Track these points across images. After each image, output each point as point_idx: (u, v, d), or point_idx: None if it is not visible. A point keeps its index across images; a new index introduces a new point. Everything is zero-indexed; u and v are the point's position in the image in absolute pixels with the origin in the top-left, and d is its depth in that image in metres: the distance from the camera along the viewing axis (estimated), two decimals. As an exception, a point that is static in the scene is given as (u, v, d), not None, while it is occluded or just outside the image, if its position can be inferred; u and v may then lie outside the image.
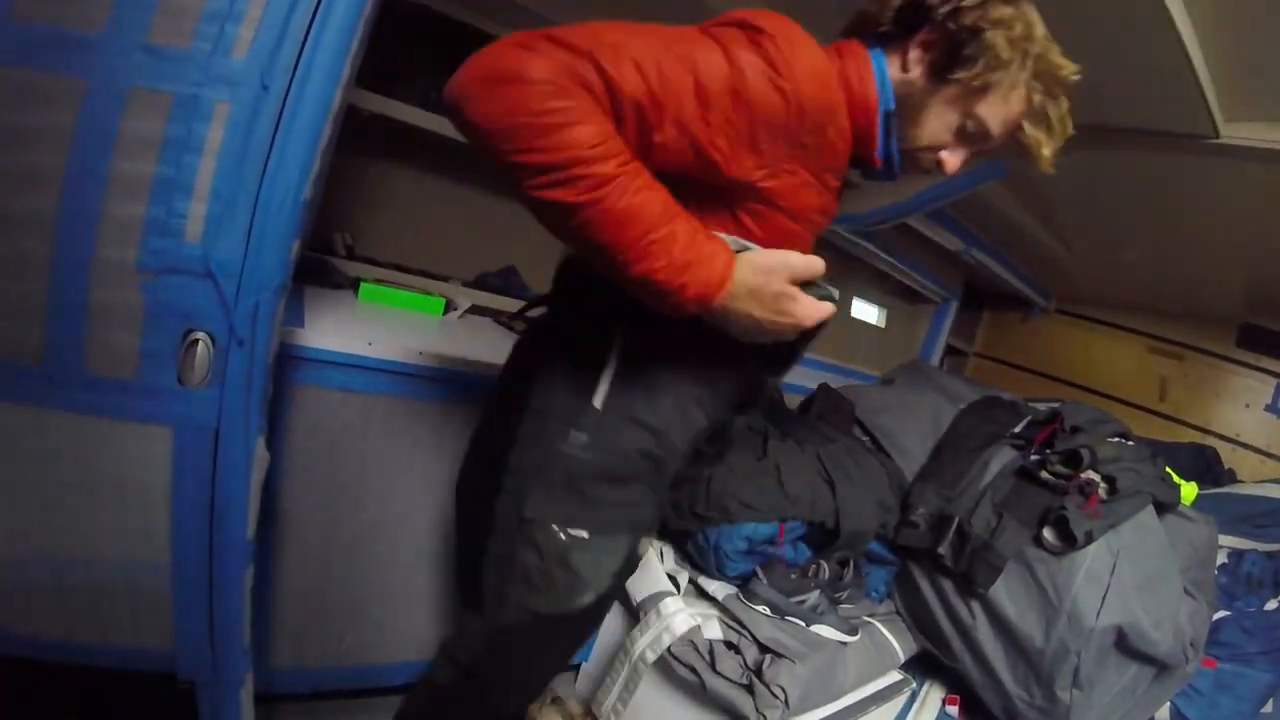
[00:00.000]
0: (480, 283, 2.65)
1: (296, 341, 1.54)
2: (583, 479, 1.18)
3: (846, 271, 4.17)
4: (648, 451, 1.20)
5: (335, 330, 1.63)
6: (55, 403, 1.15)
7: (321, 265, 2.10)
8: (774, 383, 1.14)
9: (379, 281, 2.18)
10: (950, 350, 5.08)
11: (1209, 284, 3.65)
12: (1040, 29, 1.11)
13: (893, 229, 3.23)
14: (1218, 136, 2.06)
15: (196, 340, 1.18)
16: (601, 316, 1.16)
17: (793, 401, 3.05)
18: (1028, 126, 1.13)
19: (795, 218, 1.11)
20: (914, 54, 1.10)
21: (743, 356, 1.18)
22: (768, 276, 0.99)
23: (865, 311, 4.57)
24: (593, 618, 1.39)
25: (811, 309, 1.03)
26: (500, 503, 1.22)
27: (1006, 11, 1.05)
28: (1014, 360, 5.03)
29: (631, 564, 1.36)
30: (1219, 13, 1.64)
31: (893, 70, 1.12)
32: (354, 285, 2.11)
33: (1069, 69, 1.13)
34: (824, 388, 3.02)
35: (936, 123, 1.12)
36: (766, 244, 1.04)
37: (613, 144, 0.88)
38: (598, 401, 1.16)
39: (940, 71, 1.08)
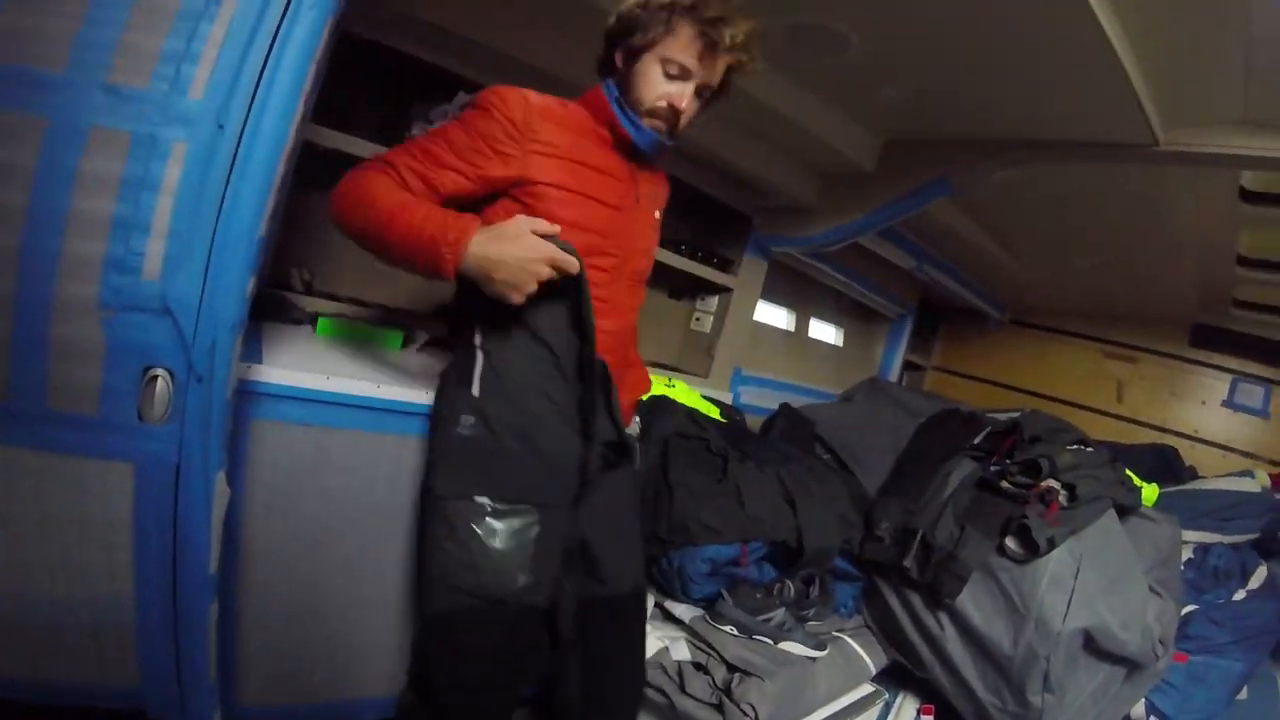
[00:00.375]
0: (439, 314, 2.65)
1: (255, 377, 1.54)
2: (476, 454, 1.44)
3: (803, 293, 4.23)
4: (521, 425, 1.45)
5: (293, 365, 1.62)
6: (17, 439, 1.15)
7: (280, 301, 2.10)
8: (587, 350, 1.45)
9: (337, 316, 2.18)
10: (908, 365, 5.16)
11: (1159, 287, 3.74)
12: None
13: (846, 249, 3.27)
14: (1157, 144, 2.11)
15: (156, 376, 1.19)
16: (468, 327, 1.49)
17: (755, 423, 3.08)
18: (709, 49, 1.42)
19: (560, 186, 1.44)
20: (617, 59, 1.48)
21: (554, 329, 1.46)
22: (506, 227, 1.29)
23: (823, 331, 4.63)
24: (527, 616, 1.46)
25: (551, 247, 1.29)
26: (422, 496, 1.50)
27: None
28: (971, 372, 5.12)
29: (552, 554, 1.48)
30: (1150, 22, 1.69)
31: (616, 78, 1.50)
32: (312, 320, 2.11)
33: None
34: (785, 407, 3.05)
35: (646, 80, 1.45)
36: (549, 213, 1.37)
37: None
38: (475, 390, 1.46)
39: (628, 52, 1.46)
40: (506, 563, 1.41)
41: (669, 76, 1.44)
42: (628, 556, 1.62)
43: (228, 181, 1.18)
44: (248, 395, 1.52)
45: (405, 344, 2.21)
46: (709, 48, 1.41)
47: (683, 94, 1.45)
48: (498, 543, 1.41)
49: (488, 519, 1.41)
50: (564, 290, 1.39)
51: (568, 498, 1.51)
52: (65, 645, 1.28)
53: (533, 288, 1.28)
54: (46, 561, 1.22)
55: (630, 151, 1.54)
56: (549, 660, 1.61)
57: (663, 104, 1.45)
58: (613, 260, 1.52)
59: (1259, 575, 2.52)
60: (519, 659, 1.49)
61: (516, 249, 1.27)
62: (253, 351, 1.61)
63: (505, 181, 1.42)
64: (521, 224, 1.29)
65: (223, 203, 1.18)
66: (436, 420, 1.53)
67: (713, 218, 3.32)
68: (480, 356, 1.46)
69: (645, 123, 1.48)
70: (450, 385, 1.50)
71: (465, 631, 1.42)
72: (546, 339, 1.45)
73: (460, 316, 1.52)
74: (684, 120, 1.49)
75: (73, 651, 1.29)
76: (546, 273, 1.29)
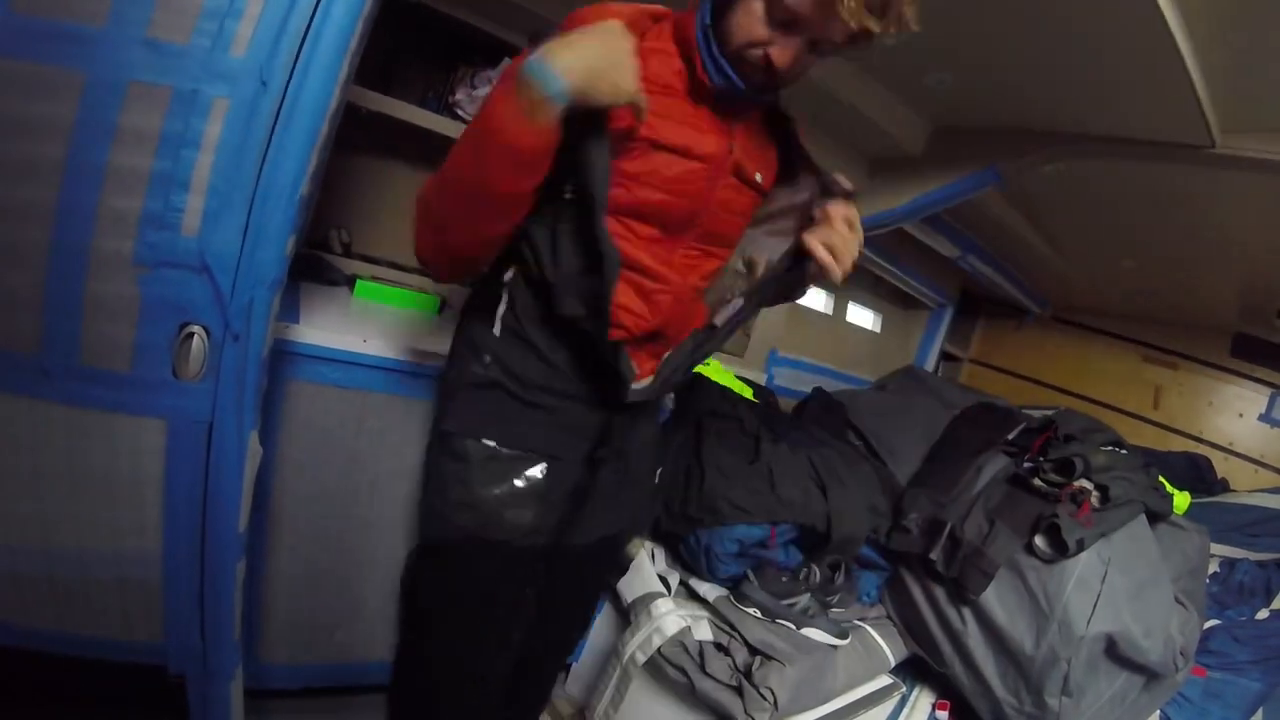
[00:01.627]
0: (475, 282, 2.64)
1: (291, 337, 1.55)
2: (489, 396, 1.31)
3: (843, 276, 4.18)
4: (539, 371, 1.32)
5: (330, 326, 1.63)
6: (50, 394, 1.16)
7: (318, 262, 2.11)
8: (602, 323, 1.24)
9: (375, 279, 2.18)
10: (945, 356, 5.08)
11: (1204, 293, 3.65)
12: None
13: (889, 235, 3.23)
14: (1214, 147, 2.05)
15: (192, 334, 1.19)
16: (502, 262, 1.31)
17: (787, 405, 3.06)
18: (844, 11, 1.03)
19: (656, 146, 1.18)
20: None
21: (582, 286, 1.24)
22: (589, 29, 1.04)
23: (861, 316, 4.57)
24: (522, 557, 1.37)
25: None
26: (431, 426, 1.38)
27: None
28: (1008, 367, 5.04)
29: (556, 504, 1.38)
30: (1217, 24, 1.64)
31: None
32: (350, 282, 2.11)
33: None
34: (819, 391, 3.03)
35: (745, 18, 1.11)
36: (647, 178, 1.19)
37: None
38: (496, 330, 1.31)
39: None
40: (504, 507, 1.32)
41: (772, 21, 1.09)
42: (614, 510, 1.52)
43: (270, 139, 1.17)
44: (284, 355, 1.52)
45: (441, 310, 2.21)
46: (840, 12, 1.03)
47: (785, 50, 1.11)
48: (497, 487, 1.31)
49: (491, 462, 1.31)
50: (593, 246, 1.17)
51: (579, 453, 1.39)
52: (91, 599, 1.30)
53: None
54: (76, 516, 1.24)
55: (719, 95, 1.22)
56: None
57: (757, 53, 1.12)
58: (681, 220, 1.28)
59: (1283, 596, 2.49)
60: (511, 599, 1.42)
61: (606, 47, 1.03)
62: (290, 311, 1.61)
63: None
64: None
65: (264, 160, 1.17)
66: (454, 354, 1.40)
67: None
68: (505, 296, 1.32)
69: (734, 69, 1.16)
70: (473, 320, 1.37)
71: (456, 566, 1.36)
72: (573, 289, 1.26)
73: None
74: (788, 78, 1.17)
75: (98, 605, 1.31)
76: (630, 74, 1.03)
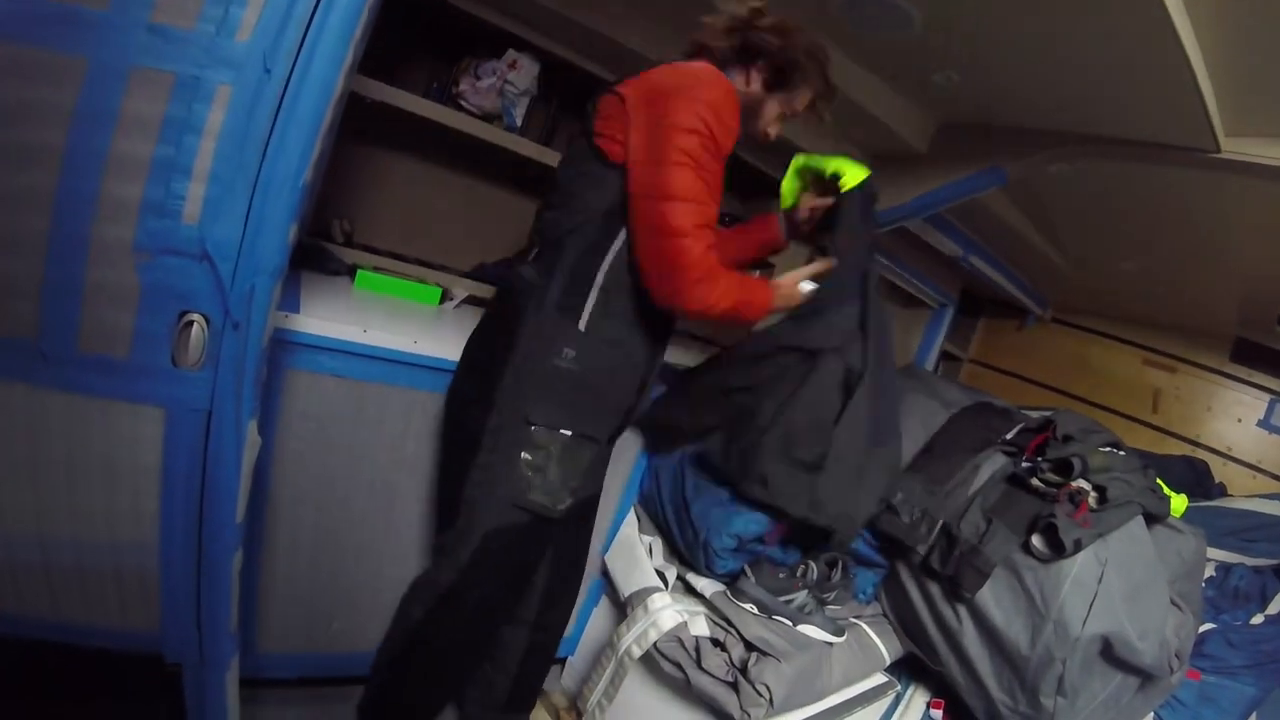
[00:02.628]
0: (477, 273, 2.64)
1: (291, 326, 1.54)
2: (571, 388, 1.54)
3: (844, 275, 4.17)
4: (611, 365, 1.61)
5: (330, 316, 1.63)
6: (48, 381, 1.15)
7: (319, 251, 2.10)
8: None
9: (376, 269, 2.17)
10: (945, 356, 5.07)
11: (1205, 297, 3.65)
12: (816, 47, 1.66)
13: (891, 233, 3.22)
14: (1219, 151, 2.05)
15: (191, 322, 1.19)
16: (591, 263, 1.54)
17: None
18: (820, 104, 1.73)
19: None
20: (753, 76, 1.65)
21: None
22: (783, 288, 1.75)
23: (862, 313, 4.56)
24: (555, 526, 1.63)
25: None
26: (492, 417, 1.53)
27: (806, 39, 1.63)
28: (1008, 368, 5.03)
29: (586, 475, 1.64)
30: (1224, 28, 1.64)
31: (738, 83, 1.61)
32: (351, 272, 2.11)
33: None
34: (819, 388, 3.02)
35: (769, 116, 1.69)
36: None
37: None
38: (582, 325, 1.54)
39: (768, 81, 1.65)
40: (565, 489, 1.57)
41: (783, 117, 1.70)
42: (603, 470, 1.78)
43: (273, 126, 1.16)
44: (283, 344, 1.52)
45: (442, 301, 2.20)
46: (823, 98, 1.71)
47: (779, 130, 1.73)
48: (566, 471, 1.56)
49: (564, 449, 1.55)
50: None
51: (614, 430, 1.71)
52: (88, 587, 1.29)
53: None
54: (73, 504, 1.23)
55: None
56: None
57: (762, 134, 1.71)
58: None
59: (1278, 601, 2.48)
60: (537, 567, 1.75)
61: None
62: (290, 301, 1.61)
63: None
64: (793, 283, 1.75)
65: (267, 148, 1.17)
66: (527, 349, 1.54)
67: (757, 191, 3.25)
68: (596, 293, 1.54)
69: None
70: (548, 315, 1.53)
71: (518, 546, 1.60)
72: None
73: (576, 253, 1.55)
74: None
75: (95, 594, 1.30)
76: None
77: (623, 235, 1.52)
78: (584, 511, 1.76)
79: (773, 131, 1.72)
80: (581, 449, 1.58)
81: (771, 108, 1.67)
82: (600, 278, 1.53)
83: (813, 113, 1.73)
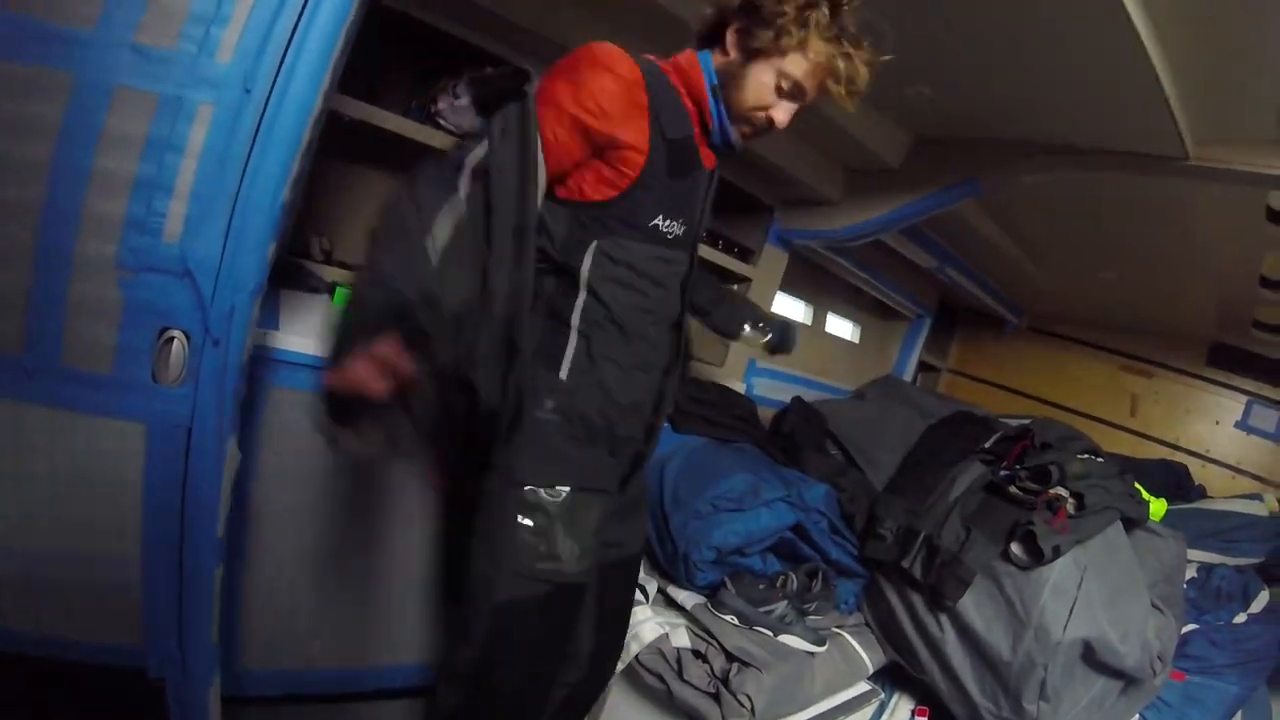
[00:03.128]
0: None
1: (271, 344, 1.55)
2: (558, 440, 1.37)
3: (821, 287, 4.20)
4: (604, 413, 1.41)
5: (310, 333, 1.63)
6: (31, 395, 1.16)
7: (298, 269, 2.10)
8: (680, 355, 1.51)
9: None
10: (923, 366, 5.11)
11: (1180, 303, 3.70)
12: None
13: (868, 245, 3.25)
14: (1188, 158, 2.09)
15: (172, 338, 1.19)
16: (560, 304, 1.38)
17: (766, 415, 3.07)
18: (829, 80, 1.36)
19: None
20: (729, 41, 1.37)
21: (656, 319, 1.45)
22: None
23: (840, 326, 4.59)
24: (581, 590, 1.46)
25: None
26: (488, 480, 1.35)
27: None
28: (987, 376, 5.08)
29: (599, 531, 1.44)
30: (1189, 37, 1.67)
31: (716, 59, 1.39)
32: (330, 290, 2.11)
33: (842, 12, 1.32)
34: (797, 401, 3.05)
35: (756, 88, 1.36)
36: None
37: None
38: (563, 374, 1.38)
39: (745, 45, 1.35)
40: (579, 548, 1.39)
41: (781, 92, 1.37)
42: (641, 522, 1.65)
43: (253, 146, 1.18)
44: (263, 361, 1.53)
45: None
46: (833, 78, 1.35)
47: (785, 112, 1.39)
48: (575, 530, 1.38)
49: (567, 508, 1.37)
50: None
51: (619, 479, 1.51)
52: (69, 601, 1.29)
53: None
54: (55, 518, 1.23)
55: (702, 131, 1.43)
56: None
57: (761, 116, 1.39)
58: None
59: (1260, 600, 2.50)
60: (572, 633, 1.53)
61: None
62: (270, 318, 1.62)
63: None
64: None
65: (247, 167, 1.18)
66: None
67: (733, 206, 3.27)
68: (575, 338, 1.38)
69: (733, 127, 1.41)
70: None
71: (533, 620, 1.39)
72: (648, 332, 1.44)
73: (547, 293, 1.39)
74: (774, 134, 1.45)
75: (77, 608, 1.30)
76: None
77: (588, 265, 1.35)
78: (624, 567, 1.62)
79: (777, 116, 1.39)
80: (588, 503, 1.41)
81: (755, 75, 1.35)
82: (576, 319, 1.38)
83: (824, 85, 1.37)
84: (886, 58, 1.37)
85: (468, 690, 1.41)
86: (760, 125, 1.41)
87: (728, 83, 1.38)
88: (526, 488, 1.34)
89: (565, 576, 1.38)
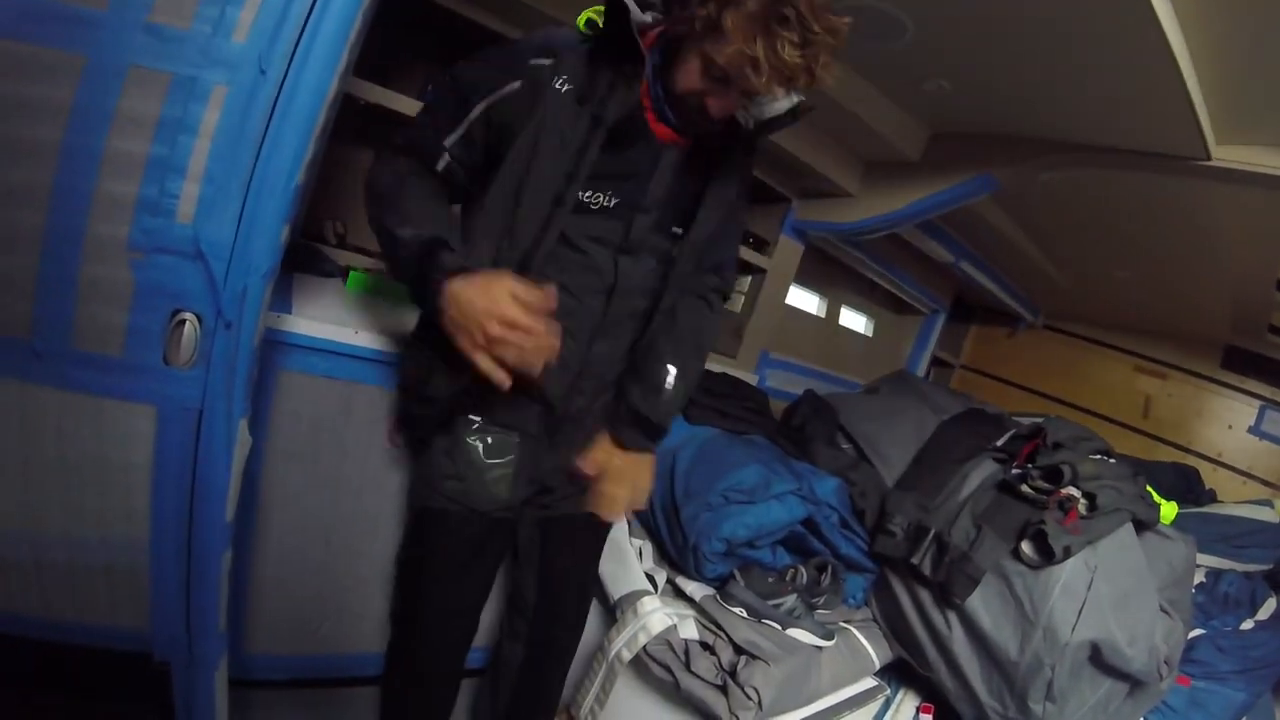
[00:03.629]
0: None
1: (283, 327, 1.55)
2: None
3: (836, 279, 4.19)
4: None
5: (322, 317, 1.63)
6: (40, 377, 1.15)
7: (312, 253, 2.10)
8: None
9: (368, 271, 2.17)
10: (936, 361, 5.10)
11: (1195, 305, 3.67)
12: None
13: (883, 239, 3.24)
14: (1209, 159, 2.07)
15: (184, 320, 1.19)
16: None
17: (778, 407, 3.06)
18: (748, 69, 1.17)
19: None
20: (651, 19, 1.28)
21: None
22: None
23: (853, 320, 4.58)
24: (498, 529, 1.58)
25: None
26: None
27: None
28: (999, 374, 5.05)
29: (524, 478, 1.55)
30: (1214, 37, 1.65)
31: (659, 37, 1.32)
32: (343, 274, 2.11)
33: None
34: (809, 394, 3.03)
35: (685, 73, 1.26)
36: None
37: None
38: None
39: (668, 29, 1.28)
40: (484, 477, 1.49)
41: (708, 76, 1.23)
42: (582, 487, 1.63)
43: (267, 127, 1.17)
44: (275, 345, 1.52)
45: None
46: (752, 67, 1.16)
47: (720, 100, 1.26)
48: (480, 458, 1.49)
49: (475, 436, 1.48)
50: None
51: (542, 430, 1.55)
52: (77, 585, 1.29)
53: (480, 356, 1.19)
54: (64, 501, 1.23)
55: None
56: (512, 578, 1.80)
57: (695, 101, 1.28)
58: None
59: (1268, 607, 2.49)
60: (488, 566, 1.63)
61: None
62: (282, 301, 1.61)
63: None
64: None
65: (261, 148, 1.17)
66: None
67: (750, 196, 3.27)
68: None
69: (676, 110, 1.33)
70: None
71: (445, 530, 1.53)
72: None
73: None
74: (720, 122, 1.31)
75: (84, 591, 1.30)
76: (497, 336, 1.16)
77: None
78: (565, 524, 1.68)
79: (717, 107, 1.26)
80: (501, 440, 1.51)
81: (683, 60, 1.25)
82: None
83: (744, 76, 1.18)
84: (832, 41, 1.18)
85: (398, 592, 1.64)
86: (698, 116, 1.30)
87: (664, 62, 1.32)
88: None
89: (473, 502, 1.50)
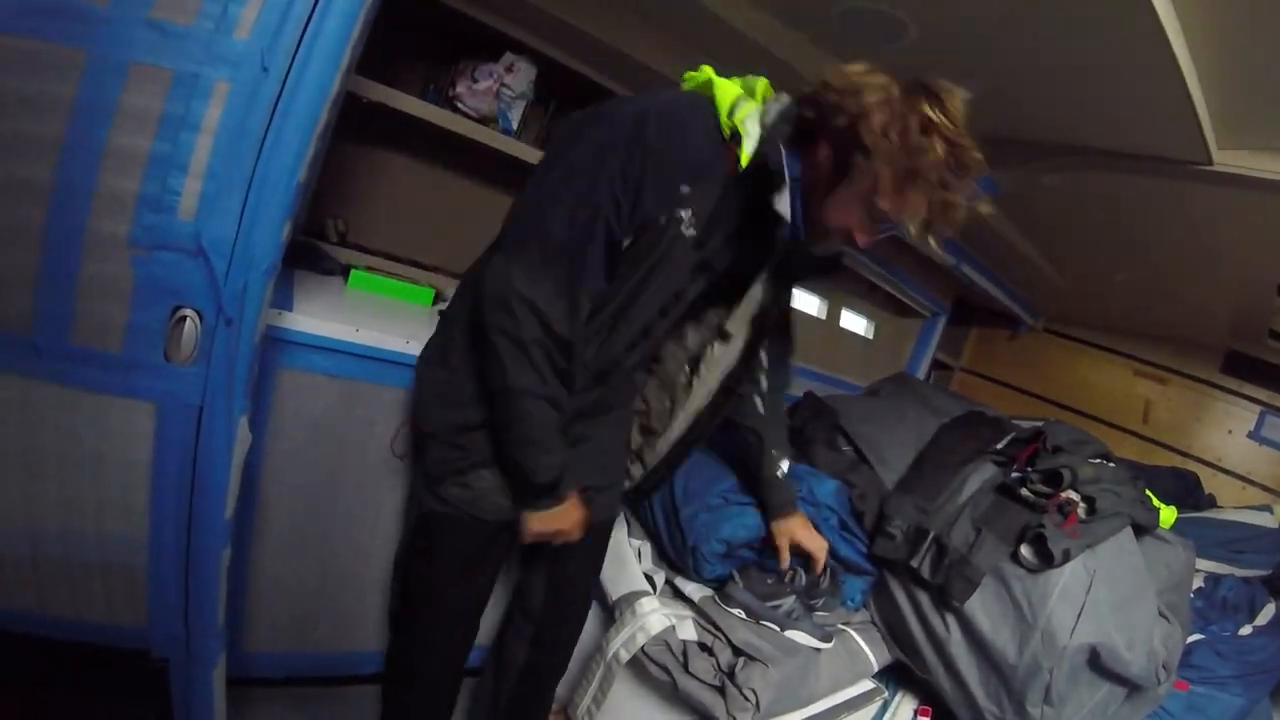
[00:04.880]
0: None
1: (284, 324, 1.55)
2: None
3: (836, 281, 4.18)
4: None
5: (323, 315, 1.63)
6: (40, 373, 1.15)
7: (313, 250, 2.10)
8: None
9: (369, 269, 2.18)
10: (937, 364, 5.08)
11: (1196, 309, 3.67)
12: (917, 120, 1.18)
13: (884, 241, 3.22)
14: (1211, 163, 2.07)
15: (184, 317, 1.19)
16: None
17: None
18: (912, 223, 1.26)
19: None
20: (820, 148, 1.26)
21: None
22: None
23: (854, 322, 4.57)
24: (501, 536, 1.56)
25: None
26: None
27: (884, 118, 1.17)
28: (1000, 377, 5.04)
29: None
30: (1217, 42, 1.65)
31: (805, 160, 1.29)
32: (344, 272, 2.11)
33: (956, 155, 1.22)
34: (809, 395, 3.02)
35: (845, 214, 1.28)
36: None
37: None
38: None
39: (839, 164, 1.24)
40: (489, 484, 1.46)
41: (871, 219, 1.27)
42: (612, 489, 1.74)
43: (269, 124, 1.17)
44: (276, 342, 1.52)
45: (435, 302, 2.21)
46: (925, 222, 1.25)
47: (870, 235, 1.30)
48: (493, 480, 1.46)
49: (493, 470, 1.46)
50: None
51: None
52: (76, 581, 1.29)
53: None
54: (63, 497, 1.23)
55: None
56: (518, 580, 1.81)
57: (844, 232, 1.31)
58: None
59: (1267, 612, 2.48)
60: (491, 570, 1.63)
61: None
62: (283, 299, 1.61)
63: None
64: None
65: (263, 145, 1.17)
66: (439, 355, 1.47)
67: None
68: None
69: (813, 235, 1.35)
70: (456, 329, 1.44)
71: (449, 535, 1.52)
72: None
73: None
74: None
75: (83, 588, 1.30)
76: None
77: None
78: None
79: (866, 239, 1.30)
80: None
81: (849, 203, 1.25)
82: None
83: (922, 225, 1.26)
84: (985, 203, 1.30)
85: (399, 594, 1.65)
86: (838, 242, 1.36)
87: (809, 188, 1.30)
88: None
89: (478, 510, 1.48)
